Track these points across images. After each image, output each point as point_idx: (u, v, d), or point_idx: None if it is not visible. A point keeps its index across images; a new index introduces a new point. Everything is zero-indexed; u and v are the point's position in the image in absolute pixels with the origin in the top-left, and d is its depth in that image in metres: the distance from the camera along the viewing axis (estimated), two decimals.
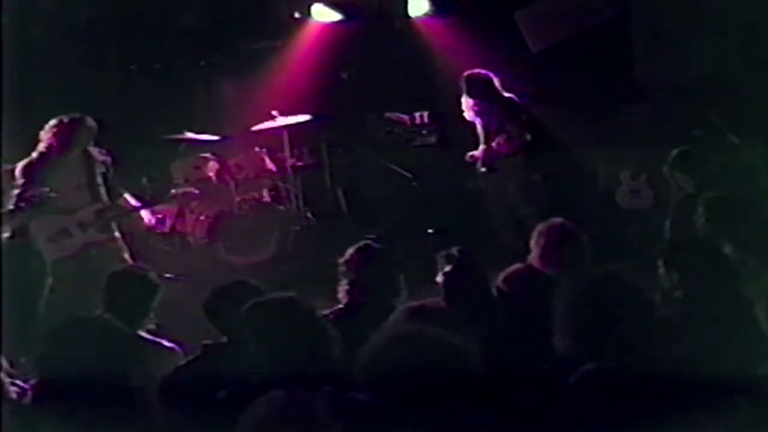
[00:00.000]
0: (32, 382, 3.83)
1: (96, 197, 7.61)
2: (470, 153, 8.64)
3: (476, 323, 4.08)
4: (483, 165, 8.59)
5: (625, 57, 10.58)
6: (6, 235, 7.29)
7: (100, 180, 7.64)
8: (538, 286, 4.37)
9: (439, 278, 4.80)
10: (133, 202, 7.94)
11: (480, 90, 8.41)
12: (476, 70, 8.50)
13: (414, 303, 4.02)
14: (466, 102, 8.49)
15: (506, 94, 8.51)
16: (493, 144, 8.48)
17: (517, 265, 4.77)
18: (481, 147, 8.55)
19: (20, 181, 7.30)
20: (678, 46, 10.33)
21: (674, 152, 6.94)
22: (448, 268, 4.76)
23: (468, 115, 8.53)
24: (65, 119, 7.48)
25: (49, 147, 7.45)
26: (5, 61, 8.19)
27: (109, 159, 7.69)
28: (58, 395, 3.36)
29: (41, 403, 3.51)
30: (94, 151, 7.63)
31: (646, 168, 10.08)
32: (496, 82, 8.45)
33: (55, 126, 7.46)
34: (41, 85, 8.82)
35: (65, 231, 7.44)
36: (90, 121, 7.55)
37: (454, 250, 4.90)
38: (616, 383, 3.18)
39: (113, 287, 5.15)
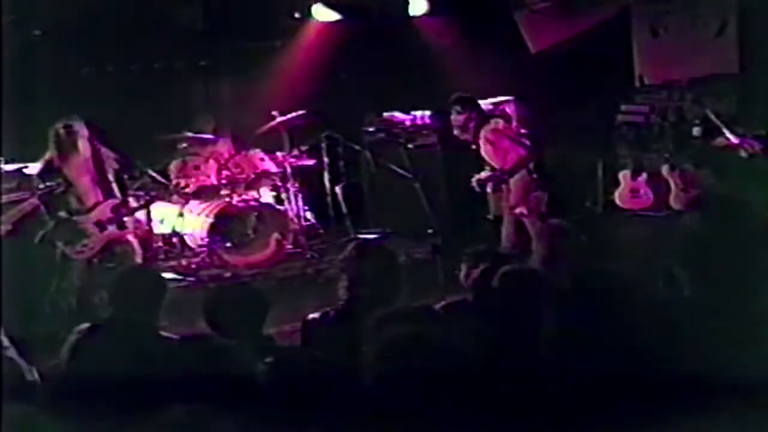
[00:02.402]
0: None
1: (109, 195, 7.72)
2: (476, 177, 8.57)
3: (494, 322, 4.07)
4: (491, 186, 8.52)
5: (625, 57, 10.59)
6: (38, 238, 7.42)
7: (111, 177, 7.75)
8: (533, 286, 4.36)
9: (473, 275, 4.79)
10: (134, 203, 8.03)
11: (465, 111, 8.35)
12: (459, 94, 8.45)
13: (391, 308, 3.96)
14: (455, 122, 8.44)
15: (490, 109, 8.41)
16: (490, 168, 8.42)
17: (512, 265, 4.76)
18: (487, 171, 8.48)
19: (39, 185, 7.42)
20: (678, 46, 10.34)
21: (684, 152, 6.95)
22: (484, 266, 4.76)
23: (459, 135, 8.49)
24: (60, 127, 7.60)
25: (52, 156, 7.58)
26: (5, 61, 8.19)
27: (119, 157, 7.80)
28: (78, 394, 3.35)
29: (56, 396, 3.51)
30: (104, 150, 7.73)
31: (646, 168, 10.11)
32: (481, 103, 8.38)
33: (53, 135, 7.58)
34: (41, 85, 8.82)
35: (83, 231, 7.53)
36: (79, 125, 7.67)
37: (483, 248, 4.91)
38: (616, 383, 3.17)
39: (124, 286, 5.13)
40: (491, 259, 4.83)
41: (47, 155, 7.67)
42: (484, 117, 8.08)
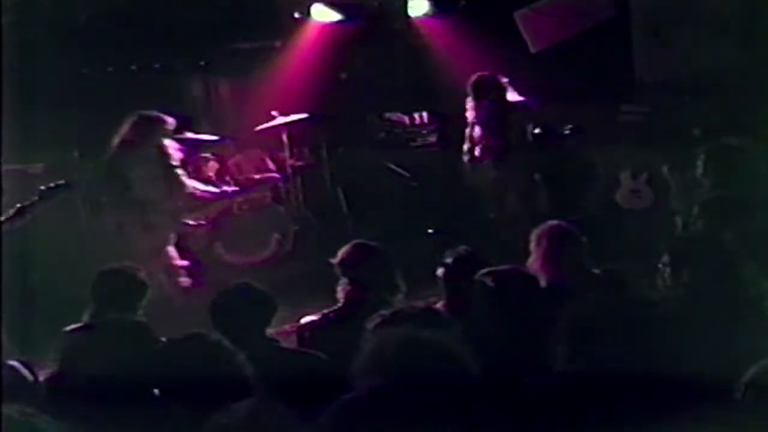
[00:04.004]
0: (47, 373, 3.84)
1: (173, 189, 7.84)
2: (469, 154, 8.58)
3: (470, 321, 4.08)
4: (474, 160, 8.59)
5: (625, 57, 10.59)
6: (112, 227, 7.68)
7: (180, 171, 7.87)
8: (527, 287, 4.36)
9: (440, 272, 4.83)
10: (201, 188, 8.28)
11: (489, 92, 8.37)
12: (484, 72, 8.46)
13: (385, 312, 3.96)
14: (472, 103, 8.45)
15: (511, 97, 8.45)
16: (480, 144, 8.45)
17: (505, 266, 4.76)
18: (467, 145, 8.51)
19: (104, 174, 7.69)
20: (678, 45, 10.34)
21: (701, 152, 6.95)
22: (449, 260, 4.78)
23: (469, 115, 8.51)
24: (144, 115, 7.74)
25: (125, 140, 7.77)
26: (5, 61, 8.20)
27: (184, 153, 7.93)
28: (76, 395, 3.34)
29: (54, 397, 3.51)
30: (170, 144, 7.83)
31: (646, 168, 10.10)
32: (504, 83, 8.41)
33: (133, 121, 7.79)
34: (41, 85, 8.82)
35: (156, 222, 7.65)
36: (167, 119, 7.88)
37: (460, 249, 4.93)
38: (613, 384, 3.17)
39: (102, 285, 5.09)
40: (460, 260, 4.83)
41: (115, 146, 7.77)
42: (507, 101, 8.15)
